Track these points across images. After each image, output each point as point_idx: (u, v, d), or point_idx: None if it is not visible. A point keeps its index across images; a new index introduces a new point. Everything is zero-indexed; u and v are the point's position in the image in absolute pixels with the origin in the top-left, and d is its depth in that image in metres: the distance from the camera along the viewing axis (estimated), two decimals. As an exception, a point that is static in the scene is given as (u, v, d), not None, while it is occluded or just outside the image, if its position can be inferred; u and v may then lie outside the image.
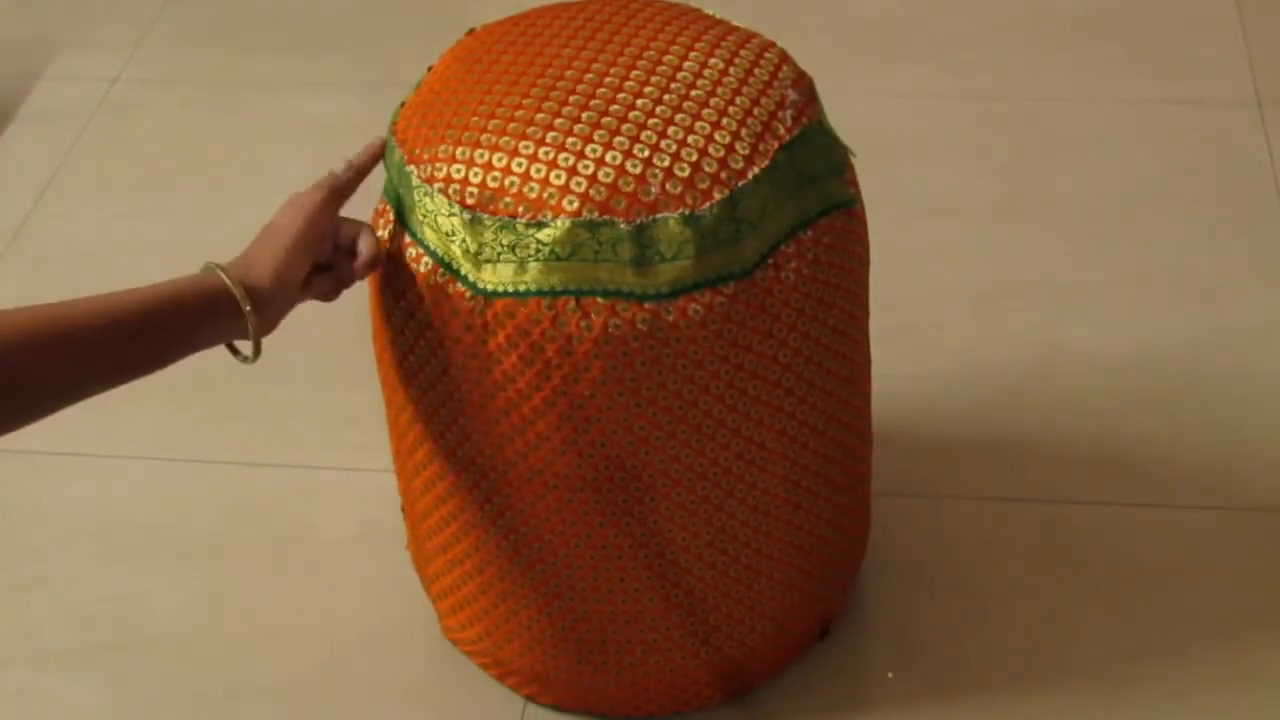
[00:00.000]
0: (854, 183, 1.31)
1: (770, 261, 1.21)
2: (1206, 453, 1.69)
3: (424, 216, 1.23)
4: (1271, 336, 1.81)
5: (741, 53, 1.27)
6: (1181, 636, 1.53)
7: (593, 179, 1.17)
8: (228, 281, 1.16)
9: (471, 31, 1.35)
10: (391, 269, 1.27)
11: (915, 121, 2.14)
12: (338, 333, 1.73)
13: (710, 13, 1.33)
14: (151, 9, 2.42)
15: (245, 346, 1.20)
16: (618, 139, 1.19)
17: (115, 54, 2.35)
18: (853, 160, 1.32)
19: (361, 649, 1.56)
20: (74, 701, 1.53)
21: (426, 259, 1.23)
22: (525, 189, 1.18)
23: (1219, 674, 1.49)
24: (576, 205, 1.17)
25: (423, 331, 1.26)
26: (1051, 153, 2.08)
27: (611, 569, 1.33)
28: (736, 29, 1.31)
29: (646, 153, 1.18)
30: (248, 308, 1.16)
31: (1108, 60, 2.22)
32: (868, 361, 1.41)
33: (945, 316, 1.86)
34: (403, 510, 1.51)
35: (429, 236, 1.23)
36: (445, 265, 1.22)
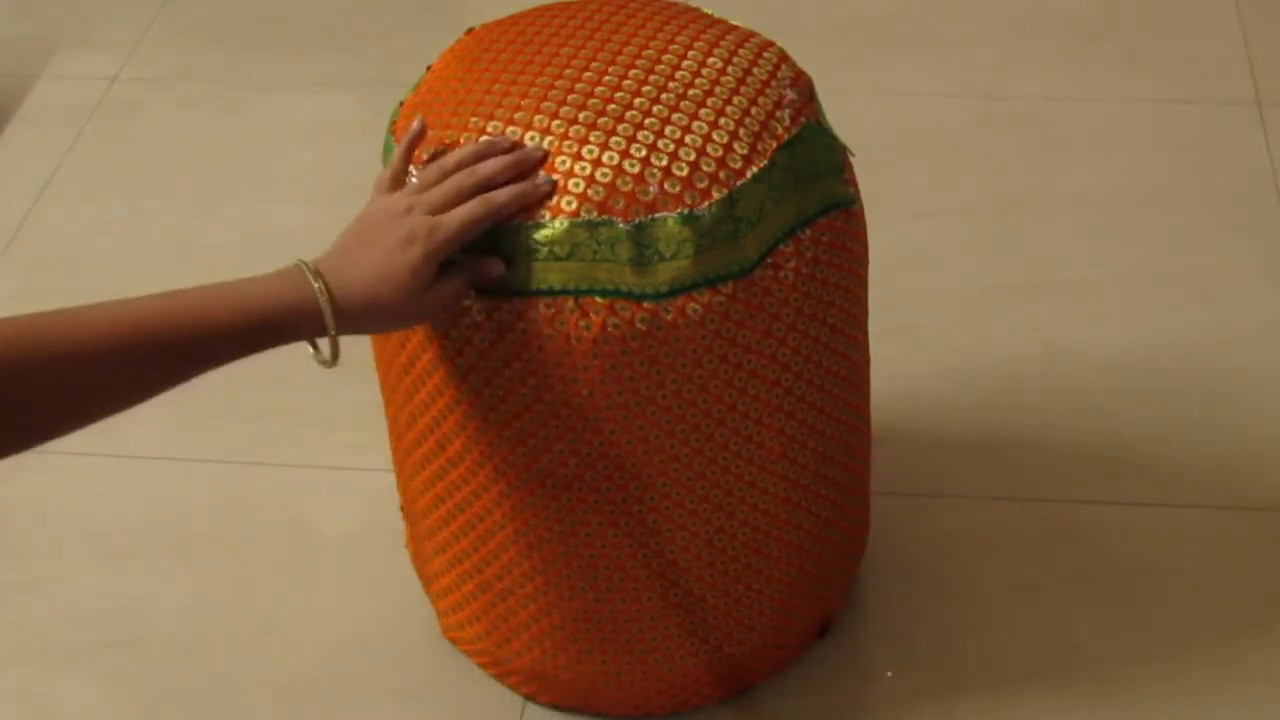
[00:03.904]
0: (853, 182, 1.31)
1: (769, 261, 1.21)
2: (1206, 452, 1.69)
3: None
4: (1271, 336, 1.81)
5: (740, 52, 1.27)
6: (1181, 636, 1.53)
7: (590, 178, 1.17)
8: (324, 309, 1.11)
9: (470, 31, 1.35)
10: None
11: (915, 121, 2.14)
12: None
13: (709, 12, 1.33)
14: (151, 8, 2.42)
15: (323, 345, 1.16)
16: (615, 138, 1.19)
17: (114, 53, 2.35)
18: (851, 159, 1.32)
19: (361, 648, 1.56)
20: (73, 701, 1.53)
21: (426, 260, 1.23)
22: None
23: (1219, 674, 1.49)
24: (575, 205, 1.17)
25: (423, 332, 1.26)
26: (1051, 152, 2.08)
27: (610, 568, 1.33)
28: (735, 28, 1.31)
29: (644, 152, 1.18)
30: (333, 332, 1.12)
31: (1107, 60, 2.22)
32: (867, 361, 1.41)
33: (945, 316, 1.86)
34: (402, 509, 1.51)
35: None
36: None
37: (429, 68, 1.33)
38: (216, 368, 1.11)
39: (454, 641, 1.52)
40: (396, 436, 1.40)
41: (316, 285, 1.12)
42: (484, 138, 1.21)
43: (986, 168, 2.06)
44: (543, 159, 1.18)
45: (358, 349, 1.66)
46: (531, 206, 1.17)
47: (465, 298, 1.20)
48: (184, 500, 1.71)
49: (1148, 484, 1.66)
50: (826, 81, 1.40)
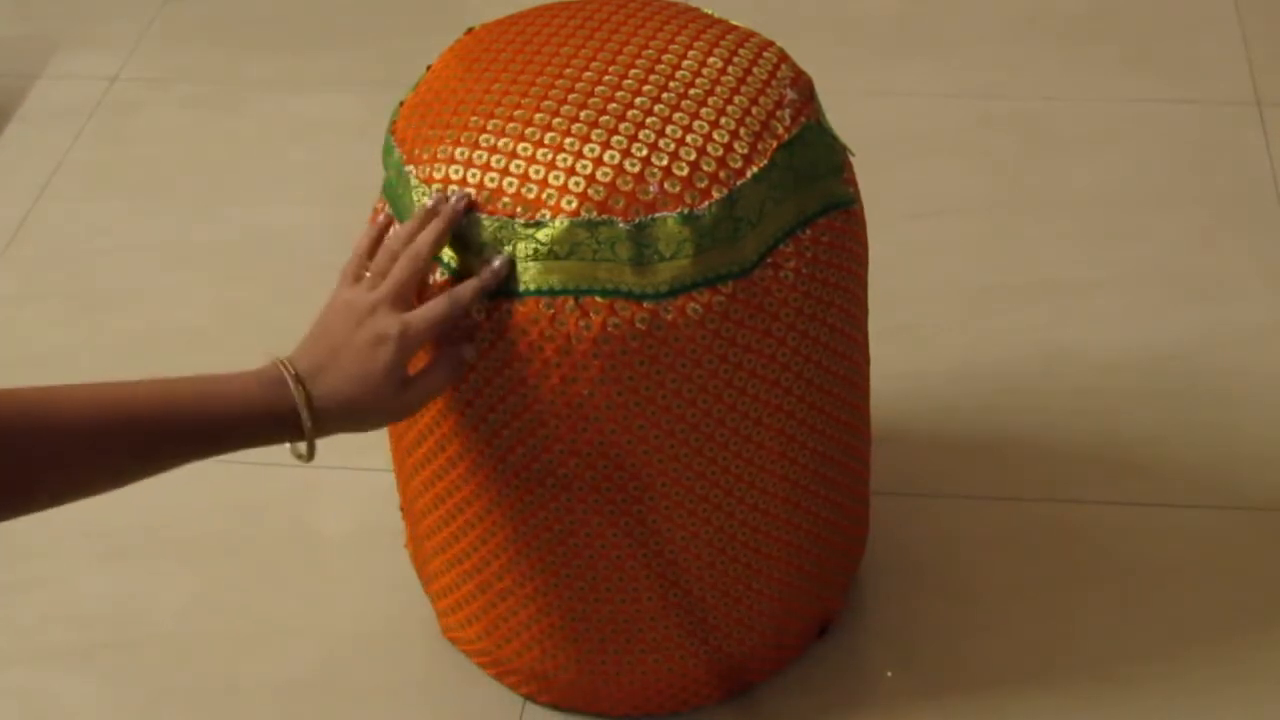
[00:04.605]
0: (853, 182, 1.31)
1: (769, 260, 1.21)
2: (1206, 452, 1.69)
3: None
4: (1271, 336, 1.81)
5: (740, 51, 1.27)
6: (1181, 636, 1.53)
7: (591, 178, 1.17)
8: (301, 415, 1.12)
9: (470, 30, 1.35)
10: None
11: (915, 121, 2.14)
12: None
13: (709, 12, 1.33)
14: (151, 8, 2.42)
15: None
16: (615, 138, 1.19)
17: (114, 53, 2.35)
18: (851, 159, 1.32)
19: (360, 648, 1.56)
20: (73, 701, 1.53)
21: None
22: (523, 189, 1.18)
23: (1219, 673, 1.49)
24: (575, 204, 1.17)
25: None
26: (1051, 152, 2.08)
27: (610, 568, 1.33)
28: (735, 28, 1.31)
29: (645, 151, 1.18)
30: (308, 432, 1.13)
31: (1107, 59, 2.22)
32: (867, 361, 1.41)
33: (945, 316, 1.86)
34: (401, 509, 1.51)
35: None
36: (444, 265, 1.22)
37: (429, 67, 1.33)
38: (195, 460, 1.11)
39: (454, 641, 1.52)
40: (396, 436, 1.40)
41: (296, 391, 1.12)
42: (422, 202, 1.21)
43: (986, 168, 2.06)
44: (468, 203, 1.18)
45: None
46: (492, 287, 1.18)
47: (444, 390, 1.21)
48: (184, 500, 1.71)
49: (1148, 484, 1.66)
50: (826, 81, 1.40)
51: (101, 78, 2.30)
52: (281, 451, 1.78)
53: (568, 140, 1.19)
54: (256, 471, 1.73)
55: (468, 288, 1.18)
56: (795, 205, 1.23)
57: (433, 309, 1.16)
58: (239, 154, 2.16)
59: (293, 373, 1.12)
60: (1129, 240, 1.95)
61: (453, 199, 1.19)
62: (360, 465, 1.72)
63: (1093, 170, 2.05)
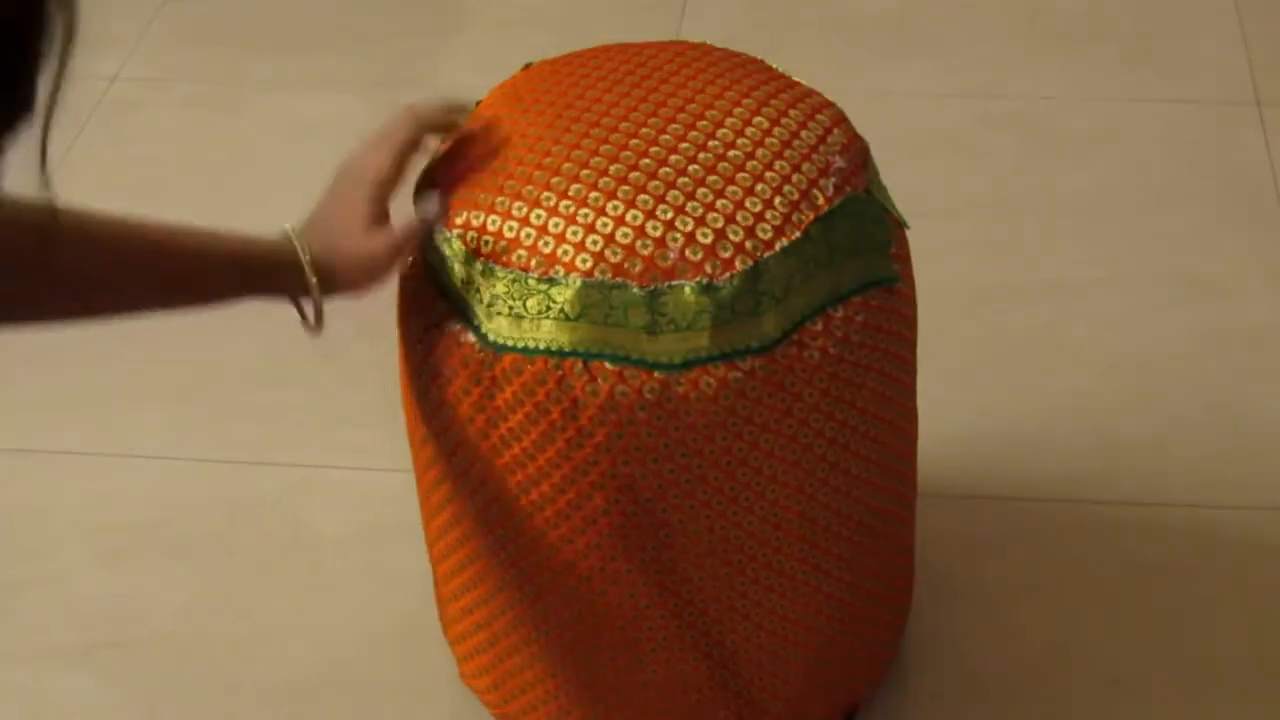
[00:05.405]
0: (902, 257, 1.25)
1: (794, 338, 1.15)
2: (1206, 452, 1.69)
3: (442, 262, 1.19)
4: (1271, 336, 1.81)
5: (790, 112, 1.21)
6: (1180, 636, 1.53)
7: (610, 238, 1.12)
8: (306, 270, 1.19)
9: (527, 67, 1.30)
10: (413, 311, 1.24)
11: (915, 121, 2.14)
12: (337, 332, 1.72)
13: (772, 66, 1.27)
14: (150, 7, 2.42)
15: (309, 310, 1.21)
16: (642, 196, 1.13)
17: (114, 52, 2.34)
18: (906, 231, 1.26)
19: (360, 648, 1.56)
20: (73, 701, 1.53)
21: (442, 304, 1.19)
22: (540, 242, 1.13)
23: (1219, 674, 1.50)
24: (589, 264, 1.12)
25: (435, 378, 1.21)
26: (1051, 152, 2.08)
27: (618, 635, 1.27)
28: (793, 84, 1.25)
29: (669, 214, 1.13)
30: (316, 293, 1.19)
31: (1107, 59, 2.22)
32: (909, 440, 1.35)
33: (945, 316, 1.86)
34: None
35: (446, 283, 1.19)
36: (460, 313, 1.18)
37: (477, 104, 1.28)
38: (213, 296, 1.20)
39: (471, 689, 1.47)
40: (420, 472, 1.33)
41: (290, 232, 1.22)
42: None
43: (986, 168, 2.06)
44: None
45: (358, 349, 1.66)
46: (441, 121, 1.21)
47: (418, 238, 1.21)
48: (183, 499, 1.71)
49: (1148, 484, 1.66)
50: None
51: (101, 78, 2.30)
52: (281, 451, 1.79)
53: (592, 195, 1.14)
54: (257, 471, 1.73)
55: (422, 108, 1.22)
56: (828, 281, 1.17)
57: (393, 135, 1.21)
58: (239, 154, 2.16)
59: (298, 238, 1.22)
60: (1129, 240, 1.95)
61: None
62: (360, 465, 1.72)
63: (1093, 170, 2.05)
